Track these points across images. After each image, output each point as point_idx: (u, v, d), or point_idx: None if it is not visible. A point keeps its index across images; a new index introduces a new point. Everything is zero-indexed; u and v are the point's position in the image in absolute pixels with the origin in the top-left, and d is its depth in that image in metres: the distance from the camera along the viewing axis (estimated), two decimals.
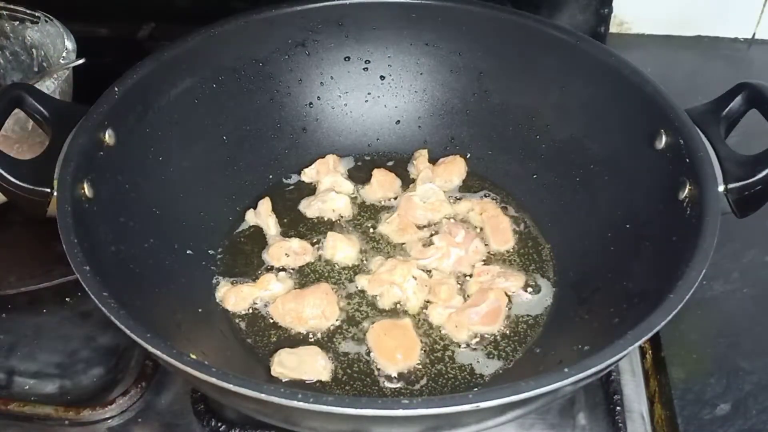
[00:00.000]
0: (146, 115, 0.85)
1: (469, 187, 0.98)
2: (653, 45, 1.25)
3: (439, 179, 0.98)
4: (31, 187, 0.72)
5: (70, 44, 0.98)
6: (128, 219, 0.79)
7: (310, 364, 0.77)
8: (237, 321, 0.84)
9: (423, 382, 0.78)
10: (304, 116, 1.01)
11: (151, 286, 0.78)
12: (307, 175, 0.99)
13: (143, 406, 0.81)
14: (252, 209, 0.94)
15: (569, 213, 0.90)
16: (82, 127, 0.76)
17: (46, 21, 1.02)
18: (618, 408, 0.79)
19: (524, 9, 0.94)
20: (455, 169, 0.98)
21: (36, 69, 1.04)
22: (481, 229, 0.93)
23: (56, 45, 0.99)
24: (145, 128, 0.85)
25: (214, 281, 0.87)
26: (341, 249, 0.89)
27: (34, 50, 1.05)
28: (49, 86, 0.91)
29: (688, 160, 0.74)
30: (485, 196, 0.97)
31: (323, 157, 0.99)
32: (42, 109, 0.77)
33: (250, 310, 0.85)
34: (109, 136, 0.79)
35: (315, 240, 0.92)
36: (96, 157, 0.77)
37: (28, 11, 1.03)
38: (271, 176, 0.99)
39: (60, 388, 0.83)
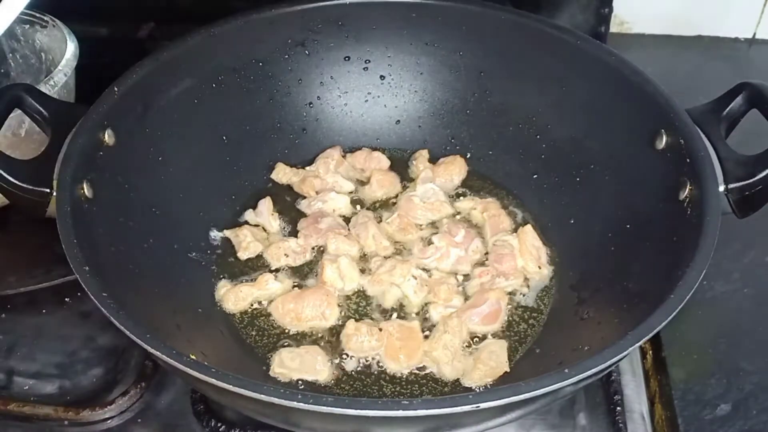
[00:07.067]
0: (146, 115, 0.85)
1: (469, 187, 0.98)
2: (653, 45, 1.25)
3: (439, 179, 0.97)
4: (31, 187, 0.72)
5: (72, 48, 0.97)
6: (128, 219, 0.79)
7: (310, 364, 0.77)
8: (236, 321, 0.84)
9: (423, 382, 0.78)
10: (304, 116, 1.01)
11: (150, 287, 0.77)
12: None
13: (143, 407, 0.81)
14: (252, 209, 0.94)
15: (569, 213, 0.90)
16: (82, 127, 0.76)
17: (54, 26, 1.02)
18: (618, 408, 0.78)
19: (524, 9, 0.94)
20: (455, 168, 0.98)
21: (44, 75, 1.04)
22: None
23: (63, 50, 0.98)
24: (145, 128, 0.85)
25: (214, 281, 0.87)
26: (341, 249, 0.89)
27: (42, 54, 1.05)
28: (50, 87, 0.91)
29: (688, 160, 0.74)
30: (484, 197, 0.96)
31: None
32: (41, 109, 0.77)
33: (250, 310, 0.84)
34: (108, 136, 0.78)
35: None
36: (96, 157, 0.77)
37: (37, 14, 1.03)
38: (271, 176, 0.99)
39: (59, 388, 0.83)
